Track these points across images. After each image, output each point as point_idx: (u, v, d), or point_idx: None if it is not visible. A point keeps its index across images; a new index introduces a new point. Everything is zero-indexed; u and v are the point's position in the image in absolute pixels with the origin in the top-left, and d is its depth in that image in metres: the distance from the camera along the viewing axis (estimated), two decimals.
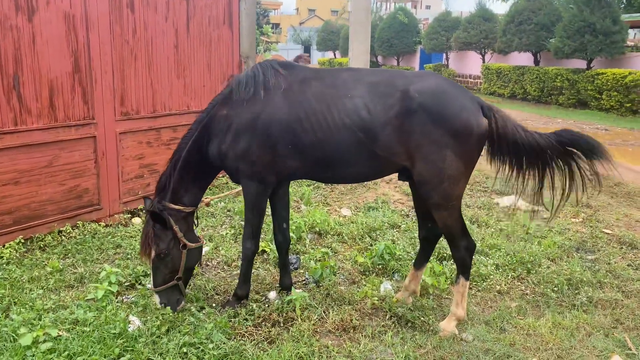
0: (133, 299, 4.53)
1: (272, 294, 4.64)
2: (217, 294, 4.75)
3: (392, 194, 7.64)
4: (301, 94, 4.07)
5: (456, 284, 4.22)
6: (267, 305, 4.44)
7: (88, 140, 6.03)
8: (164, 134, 6.97)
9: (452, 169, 3.86)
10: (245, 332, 4.05)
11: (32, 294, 4.47)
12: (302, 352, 3.77)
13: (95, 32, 5.92)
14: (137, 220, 6.52)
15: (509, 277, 5.19)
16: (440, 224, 4.09)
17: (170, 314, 4.10)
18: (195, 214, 4.53)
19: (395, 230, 6.33)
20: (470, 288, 5.02)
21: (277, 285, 4.81)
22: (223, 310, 4.32)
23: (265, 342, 3.92)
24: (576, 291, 4.92)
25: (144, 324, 4.01)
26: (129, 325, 3.94)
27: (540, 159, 4.01)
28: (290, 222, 5.71)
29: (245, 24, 8.02)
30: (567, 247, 5.88)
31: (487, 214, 7.09)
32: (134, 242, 5.70)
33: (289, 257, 5.33)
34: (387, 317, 4.39)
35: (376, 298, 4.62)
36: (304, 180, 8.15)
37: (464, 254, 4.12)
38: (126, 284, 4.81)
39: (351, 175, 4.16)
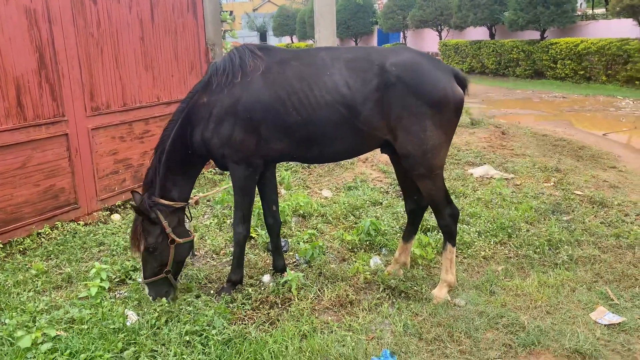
0: (126, 294, 4.48)
1: (266, 277, 4.67)
2: (210, 282, 4.75)
3: (369, 172, 7.73)
4: (281, 74, 4.08)
5: (444, 251, 4.35)
6: (262, 289, 4.47)
7: (60, 138, 5.87)
8: (136, 128, 6.85)
9: (433, 139, 3.97)
10: (245, 316, 4.08)
11: (21, 297, 4.37)
12: (304, 329, 3.83)
13: (59, 26, 5.74)
14: (116, 217, 6.41)
15: (492, 243, 5.36)
16: (425, 194, 4.20)
17: (167, 305, 4.08)
18: (187, 208, 4.51)
19: (377, 207, 6.43)
20: (457, 256, 5.17)
21: (271, 268, 4.84)
22: (219, 297, 4.33)
23: (267, 324, 3.96)
24: (557, 251, 5.13)
25: (142, 317, 3.99)
26: (127, 320, 3.92)
27: None
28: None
29: (209, 10, 7.90)
30: (543, 210, 6.11)
31: (462, 184, 7.27)
32: (117, 239, 5.62)
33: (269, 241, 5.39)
34: (380, 290, 4.49)
35: (368, 273, 4.71)
36: (283, 164, 8.18)
37: (449, 222, 4.25)
38: (116, 279, 4.76)
39: (336, 153, 4.21)
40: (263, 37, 57.74)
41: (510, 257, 5.08)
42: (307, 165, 8.07)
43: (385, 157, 8.18)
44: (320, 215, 6.23)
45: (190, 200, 4.50)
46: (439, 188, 4.18)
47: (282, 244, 5.34)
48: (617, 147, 9.83)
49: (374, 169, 7.87)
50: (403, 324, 3.95)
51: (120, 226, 6.09)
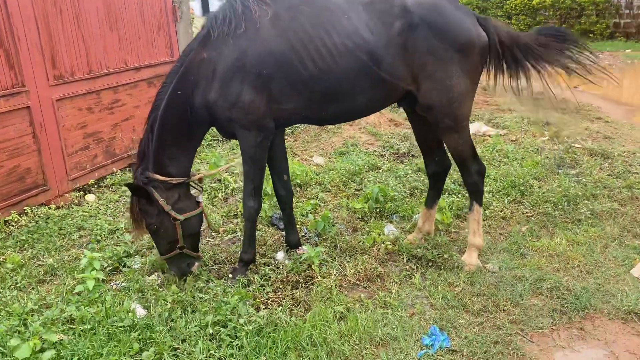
0: (124, 284, 3.96)
1: (280, 255, 4.24)
2: (216, 263, 4.28)
3: (359, 135, 7.33)
4: (293, 20, 3.57)
5: (471, 212, 4.05)
6: (279, 267, 4.04)
7: (22, 112, 5.13)
8: (104, 97, 6.13)
9: (459, 86, 3.65)
10: (267, 299, 3.66)
11: (2, 296, 3.77)
12: (339, 310, 3.45)
13: None
14: (90, 198, 5.76)
15: (507, 202, 5.11)
16: (452, 149, 3.88)
17: (178, 295, 3.59)
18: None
19: (377, 172, 6.06)
20: None
21: (283, 244, 4.40)
22: (234, 280, 3.87)
23: (296, 307, 3.56)
24: (575, 206, 4.93)
25: (151, 310, 3.50)
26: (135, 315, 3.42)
27: (534, 57, 3.86)
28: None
29: None
30: (549, 165, 5.91)
31: None
32: (98, 222, 5.01)
33: (273, 214, 4.94)
34: (405, 261, 4.16)
35: (388, 242, 4.36)
36: None
37: (476, 179, 3.94)
38: (109, 268, 4.21)
39: (355, 109, 3.77)
40: None
41: (530, 216, 4.85)
42: (291, 130, 7.56)
43: (373, 119, 7.79)
44: (317, 183, 5.80)
45: (192, 178, 3.98)
46: (465, 142, 3.85)
47: (276, 216, 4.90)
48: (593, 99, 9.80)
49: (362, 132, 7.47)
50: (441, 296, 3.64)
51: (97, 207, 5.47)
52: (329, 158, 6.67)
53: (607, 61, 15.04)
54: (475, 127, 7.46)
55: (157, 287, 3.85)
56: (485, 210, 4.96)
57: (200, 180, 4.12)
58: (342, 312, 3.45)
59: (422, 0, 3.62)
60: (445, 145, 3.90)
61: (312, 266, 3.94)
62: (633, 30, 19.00)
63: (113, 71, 6.21)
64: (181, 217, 3.80)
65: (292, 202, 4.25)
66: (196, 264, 4.01)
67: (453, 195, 5.27)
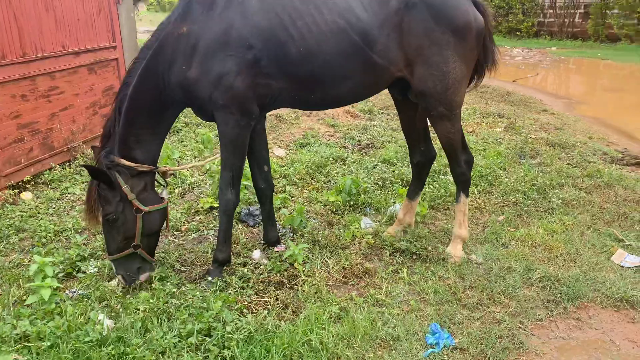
0: (81, 291, 3.50)
1: (257, 253, 3.92)
2: (184, 265, 3.89)
3: (318, 127, 7.08)
4: None
5: (457, 203, 3.94)
6: (257, 267, 3.73)
7: None
8: (40, 84, 5.50)
9: (455, 72, 3.50)
10: (250, 302, 3.34)
11: None
12: (333, 311, 3.20)
13: None
14: (27, 196, 5.14)
15: (477, 192, 5.06)
16: (443, 138, 3.73)
17: (151, 302, 3.20)
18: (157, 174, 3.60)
19: (342, 164, 5.85)
20: (447, 209, 4.80)
21: (260, 241, 4.08)
22: (208, 283, 3.52)
23: (284, 310, 3.26)
24: (545, 195, 4.95)
25: (121, 321, 3.09)
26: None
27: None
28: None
29: None
30: (512, 156, 5.94)
31: None
32: (41, 222, 4.45)
33: (250, 209, 4.62)
34: (389, 254, 3.98)
35: (369, 236, 4.16)
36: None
37: (465, 169, 3.84)
38: (61, 274, 3.72)
39: (342, 94, 3.53)
40: None
41: (503, 206, 4.81)
42: None
43: (331, 111, 7.57)
44: (282, 176, 5.51)
45: (159, 169, 3.58)
46: (457, 130, 3.73)
47: (257, 212, 4.58)
48: (533, 92, 10.13)
49: (321, 124, 7.23)
50: (433, 291, 3.48)
51: (37, 207, 4.87)
52: (290, 150, 6.38)
53: (537, 58, 15.72)
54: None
55: (121, 293, 3.43)
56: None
57: (165, 174, 3.72)
58: (337, 313, 3.20)
59: None
60: (437, 134, 3.74)
61: (295, 264, 3.67)
62: (556, 29, 20.00)
63: (50, 55, 5.59)
64: (146, 208, 3.42)
65: (273, 195, 3.94)
66: (147, 272, 3.57)
67: (426, 186, 5.14)
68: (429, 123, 3.96)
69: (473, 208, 4.77)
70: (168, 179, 3.89)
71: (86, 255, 3.92)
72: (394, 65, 3.41)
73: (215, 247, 3.73)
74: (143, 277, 3.55)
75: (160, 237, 4.11)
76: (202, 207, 4.75)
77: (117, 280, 3.65)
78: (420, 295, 3.48)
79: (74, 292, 3.51)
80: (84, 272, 3.76)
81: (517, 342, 3.02)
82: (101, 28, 6.41)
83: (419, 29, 3.37)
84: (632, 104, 9.56)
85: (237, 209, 4.62)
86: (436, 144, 4.34)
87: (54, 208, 4.88)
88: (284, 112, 7.51)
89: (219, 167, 4.91)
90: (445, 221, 4.54)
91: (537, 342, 3.06)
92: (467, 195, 3.91)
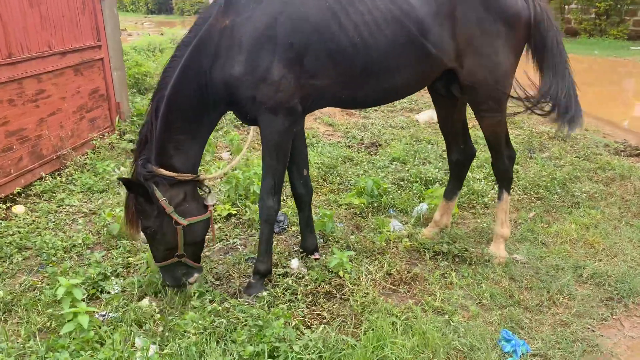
0: (111, 314, 3.17)
1: (295, 262, 3.67)
2: (216, 279, 3.61)
3: (317, 126, 6.85)
4: None
5: (499, 202, 3.82)
6: (300, 277, 3.49)
7: None
8: (27, 87, 5.04)
9: (505, 64, 3.39)
10: (304, 316, 3.11)
11: None
12: (394, 322, 3.00)
13: None
14: (19, 210, 4.68)
15: (495, 189, 4.96)
16: (489, 133, 3.62)
17: (200, 323, 2.91)
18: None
19: (352, 164, 5.65)
20: (473, 207, 4.70)
21: (296, 249, 3.84)
22: (253, 298, 3.26)
23: (343, 323, 3.05)
24: (565, 189, 4.92)
25: (167, 346, 2.80)
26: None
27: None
28: (240, 174, 4.68)
29: None
30: (521, 150, 5.91)
31: (422, 131, 6.78)
32: (45, 238, 4.05)
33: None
34: (429, 258, 3.82)
35: (406, 240, 3.99)
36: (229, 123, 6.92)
37: (508, 165, 3.73)
38: (85, 297, 3.36)
39: (395, 87, 3.33)
40: None
41: (529, 202, 4.74)
42: (240, 122, 6.88)
43: (328, 109, 7.35)
44: None
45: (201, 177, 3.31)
46: (504, 124, 3.63)
47: (282, 218, 4.34)
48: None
49: (319, 123, 7.00)
50: (489, 295, 3.35)
51: (34, 221, 4.45)
52: None
53: None
54: (427, 116, 7.33)
55: (157, 314, 3.13)
56: (481, 197, 4.78)
57: (202, 183, 3.43)
58: (397, 323, 3.00)
59: None
60: (483, 129, 3.61)
61: (340, 273, 3.46)
62: None
63: (36, 55, 5.13)
64: (184, 222, 3.13)
65: (311, 201, 3.71)
66: (195, 275, 3.34)
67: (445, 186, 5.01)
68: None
69: None
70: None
71: (108, 274, 3.58)
72: (446, 55, 3.26)
73: (255, 258, 3.48)
74: (193, 279, 3.33)
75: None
76: (219, 215, 4.45)
77: (147, 299, 3.35)
78: (476, 300, 3.34)
79: (104, 315, 3.18)
80: (107, 292, 3.43)
81: (592, 344, 2.92)
82: (86, 26, 5.97)
83: (471, 18, 3.23)
84: (603, 97, 9.81)
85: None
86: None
87: (53, 222, 4.47)
88: None
89: (235, 172, 4.67)
90: (476, 220, 4.43)
91: (608, 343, 2.97)
92: (509, 193, 3.80)
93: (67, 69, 5.62)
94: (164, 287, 3.38)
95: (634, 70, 12.01)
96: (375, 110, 7.72)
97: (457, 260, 3.79)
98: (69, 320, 2.82)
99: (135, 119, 6.90)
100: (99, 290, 3.45)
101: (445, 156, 5.62)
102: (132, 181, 3.06)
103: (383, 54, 3.11)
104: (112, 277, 3.59)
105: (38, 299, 3.32)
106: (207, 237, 3.53)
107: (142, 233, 3.30)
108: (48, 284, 3.49)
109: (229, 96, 3.07)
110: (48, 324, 3.08)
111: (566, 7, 18.43)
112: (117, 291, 3.46)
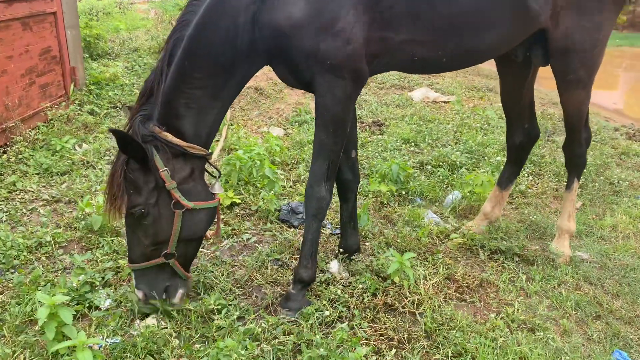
0: (110, 340, 2.36)
1: (334, 265, 2.95)
2: (238, 287, 2.85)
3: (307, 102, 6.08)
4: None
5: (568, 190, 3.30)
6: (347, 285, 2.80)
7: None
8: None
9: (606, 29, 2.92)
10: (367, 338, 2.43)
11: None
12: (478, 343, 2.38)
13: None
14: None
15: (526, 176, 4.47)
16: (572, 110, 3.09)
17: (242, 354, 2.17)
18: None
19: (359, 144, 4.96)
20: (511, 195, 4.15)
21: (336, 248, 3.11)
22: (296, 315, 2.54)
23: (416, 343, 2.40)
24: (599, 177, 4.50)
25: None
26: None
27: None
28: (243, 154, 3.92)
29: None
30: None
31: (420, 108, 6.18)
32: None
33: (292, 205, 3.65)
34: (485, 256, 3.24)
35: (456, 236, 3.38)
36: None
37: (584, 149, 3.24)
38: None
39: (482, 47, 2.72)
40: None
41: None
42: None
43: None
44: (296, 161, 4.52)
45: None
46: (588, 101, 3.11)
47: (301, 209, 3.61)
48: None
49: (310, 98, 6.23)
50: (574, 303, 2.80)
51: None
52: (286, 129, 5.37)
53: None
54: (422, 93, 6.78)
55: (174, 339, 2.36)
56: (516, 185, 4.25)
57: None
58: (481, 342, 2.39)
59: None
60: (566, 105, 3.05)
61: (397, 279, 2.79)
62: None
63: None
64: (189, 204, 2.39)
65: (357, 189, 3.00)
66: (180, 291, 2.55)
67: (476, 170, 4.45)
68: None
69: (538, 193, 4.18)
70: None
71: (96, 282, 2.73)
72: (544, 12, 2.70)
73: (280, 260, 2.76)
74: (178, 297, 2.53)
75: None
76: (221, 204, 3.66)
77: (153, 318, 2.55)
78: (561, 310, 2.78)
79: (110, 341, 2.35)
80: (98, 308, 2.60)
81: None
82: None
83: None
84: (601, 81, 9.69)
85: (276, 205, 3.62)
86: None
87: (6, 212, 3.52)
88: (264, 84, 6.42)
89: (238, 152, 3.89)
90: (519, 211, 3.89)
91: None
92: (579, 181, 3.28)
93: (13, 22, 4.56)
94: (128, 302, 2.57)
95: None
96: (365, 87, 7.05)
97: (517, 259, 3.23)
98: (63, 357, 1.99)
99: (92, 87, 5.87)
100: (87, 305, 2.61)
101: (460, 138, 5.13)
102: (129, 137, 2.27)
103: (477, 4, 2.47)
104: (100, 287, 2.75)
105: (1, 320, 2.45)
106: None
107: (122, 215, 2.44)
108: (13, 298, 2.61)
109: (276, 47, 2.32)
110: (22, 355, 2.23)
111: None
112: (108, 305, 2.64)
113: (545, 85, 7.05)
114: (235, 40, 2.29)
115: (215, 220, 2.63)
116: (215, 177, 2.66)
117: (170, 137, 2.35)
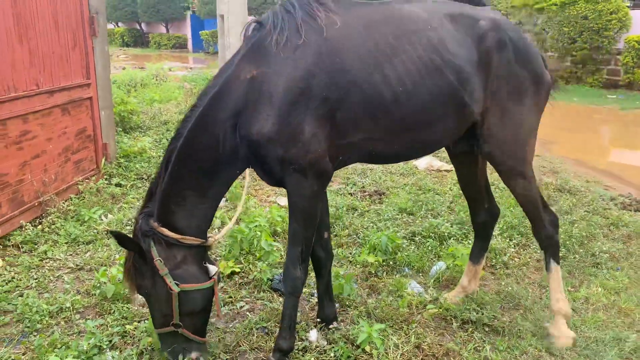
0: None
1: (313, 334, 3.30)
2: (227, 352, 3.21)
3: None
4: (369, 30, 2.86)
5: (548, 273, 3.43)
6: (322, 353, 3.13)
7: None
8: (12, 128, 4.64)
9: (529, 123, 3.23)
10: None
11: None
12: None
13: None
14: None
15: (513, 246, 4.74)
16: (521, 197, 3.36)
17: None
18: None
19: (357, 214, 5.37)
20: (490, 266, 4.43)
21: (316, 318, 3.47)
22: None
23: None
24: (584, 248, 4.72)
25: None
26: None
27: None
28: (244, 226, 4.34)
29: None
30: None
31: (423, 179, 6.55)
32: (26, 300, 3.59)
33: (274, 276, 4.02)
34: (457, 327, 3.52)
35: (431, 306, 3.68)
36: None
37: (551, 231, 3.41)
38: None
39: (431, 140, 3.11)
40: None
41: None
42: None
43: None
44: None
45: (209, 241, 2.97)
46: (535, 187, 3.38)
47: (278, 279, 3.98)
48: None
49: None
50: None
51: (14, 278, 4.00)
52: None
53: None
54: (427, 162, 7.15)
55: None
56: (499, 256, 4.52)
57: (209, 247, 3.08)
58: None
59: (504, 19, 3.24)
60: (513, 194, 3.38)
61: (367, 348, 3.11)
62: None
63: (22, 94, 4.75)
64: (177, 288, 2.79)
65: (331, 266, 3.38)
66: (194, 354, 2.93)
67: (462, 242, 4.75)
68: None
69: (520, 264, 4.44)
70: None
71: (103, 346, 3.15)
72: (477, 108, 3.06)
73: (266, 327, 3.11)
74: (193, 357, 2.93)
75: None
76: (222, 274, 4.08)
77: None
78: None
79: None
80: (112, 349, 3.02)
81: None
82: (75, 63, 5.63)
83: (504, 70, 3.07)
84: (593, 145, 9.89)
85: (269, 275, 4.01)
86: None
87: (36, 279, 4.03)
88: None
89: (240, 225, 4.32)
90: (498, 282, 4.16)
91: None
92: (558, 262, 3.44)
93: (54, 109, 5.25)
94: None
95: (612, 118, 12.23)
96: None
97: (487, 329, 3.50)
98: None
99: (121, 160, 6.51)
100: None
101: (455, 208, 5.46)
102: (123, 236, 2.74)
103: (425, 105, 2.89)
104: (107, 350, 3.17)
105: None
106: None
107: (137, 295, 2.97)
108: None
109: (252, 154, 2.78)
110: None
111: (543, 55, 18.88)
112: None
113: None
114: (217, 149, 2.75)
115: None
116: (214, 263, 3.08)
117: (166, 232, 2.79)
